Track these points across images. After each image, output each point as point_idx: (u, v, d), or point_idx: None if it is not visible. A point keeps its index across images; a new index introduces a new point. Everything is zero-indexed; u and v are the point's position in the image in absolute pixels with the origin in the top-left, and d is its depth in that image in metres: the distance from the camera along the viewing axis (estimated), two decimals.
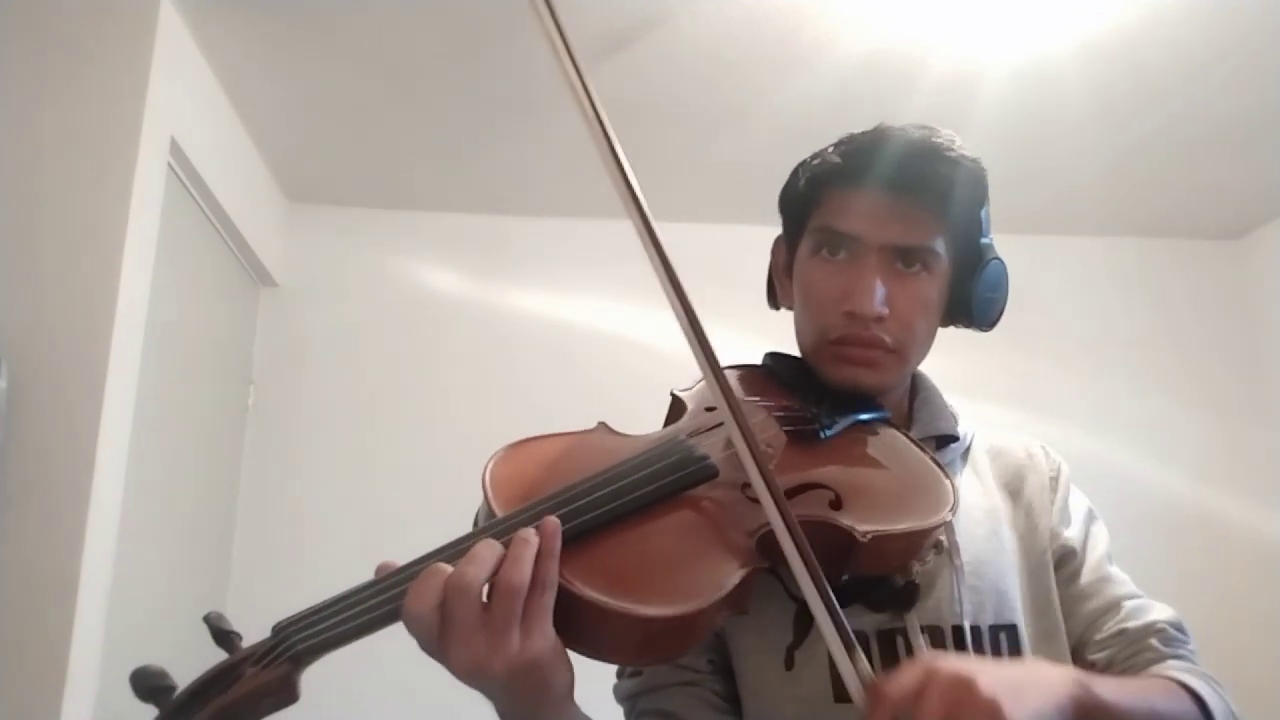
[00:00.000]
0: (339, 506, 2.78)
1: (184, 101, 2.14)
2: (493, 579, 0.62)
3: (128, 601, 1.94)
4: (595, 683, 0.82)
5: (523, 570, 0.61)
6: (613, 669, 0.91)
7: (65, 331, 1.80)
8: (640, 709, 0.86)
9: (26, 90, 1.89)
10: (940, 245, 0.90)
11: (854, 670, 0.65)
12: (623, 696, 0.89)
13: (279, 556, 2.71)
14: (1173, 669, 0.86)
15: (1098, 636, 0.91)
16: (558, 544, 0.63)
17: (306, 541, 2.73)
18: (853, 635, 0.66)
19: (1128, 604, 0.92)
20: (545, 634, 0.62)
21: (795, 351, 0.97)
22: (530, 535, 0.63)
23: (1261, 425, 3.09)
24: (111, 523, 1.84)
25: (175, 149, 2.10)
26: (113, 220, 1.86)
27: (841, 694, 0.81)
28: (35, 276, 1.82)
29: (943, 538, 0.87)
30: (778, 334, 1.06)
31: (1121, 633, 0.90)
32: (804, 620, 0.84)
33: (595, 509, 0.69)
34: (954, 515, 0.82)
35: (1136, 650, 0.89)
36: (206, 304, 2.54)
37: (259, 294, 2.92)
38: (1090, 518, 0.99)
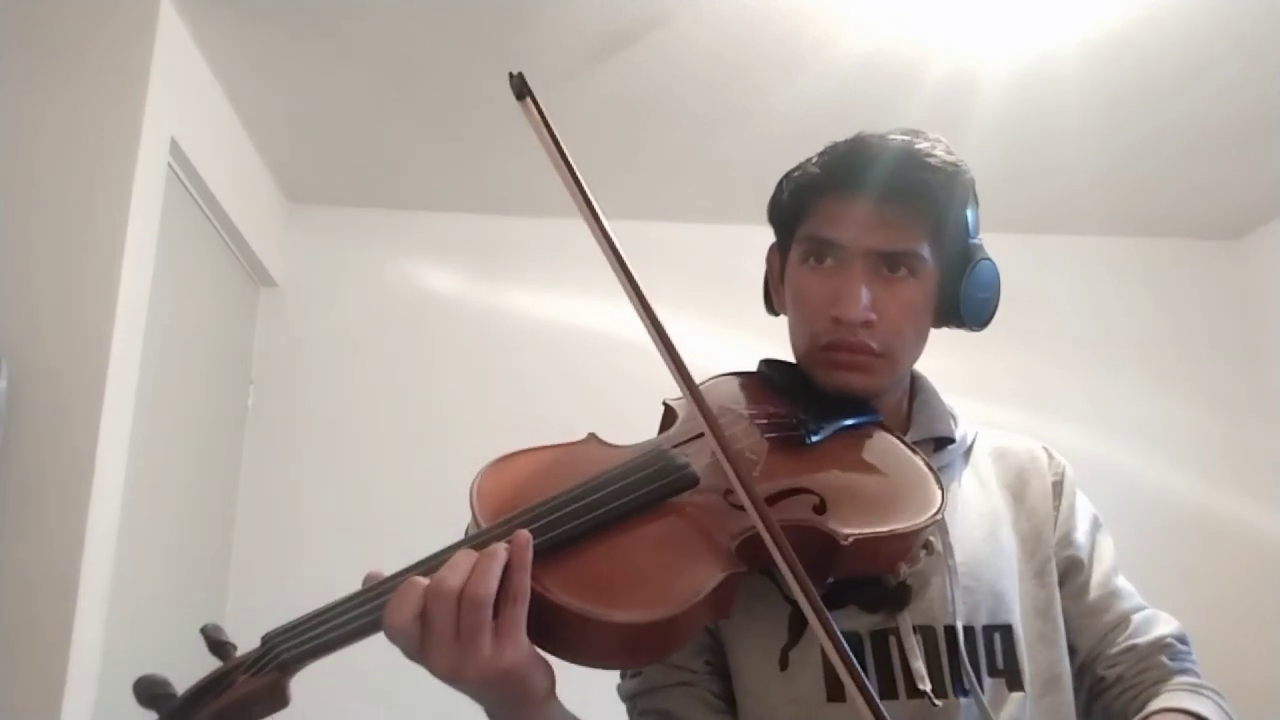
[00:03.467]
0: (338, 505, 2.78)
1: (184, 102, 2.14)
2: (460, 593, 0.64)
3: (128, 601, 1.94)
4: (595, 681, 0.82)
5: (488, 583, 0.64)
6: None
7: (65, 331, 1.81)
8: (640, 709, 0.88)
9: (26, 90, 1.89)
10: (925, 250, 0.90)
11: (844, 667, 0.66)
12: (624, 696, 0.90)
13: (278, 555, 2.71)
14: (1180, 690, 0.89)
15: (1110, 652, 0.93)
16: (527, 557, 0.66)
17: (306, 540, 2.73)
18: (838, 630, 0.67)
19: (1136, 618, 0.94)
20: (517, 643, 0.65)
21: (792, 356, 0.98)
22: (499, 549, 0.66)
23: (1262, 424, 3.09)
24: (111, 523, 1.84)
25: (175, 149, 2.10)
26: (113, 220, 1.86)
27: (835, 694, 0.82)
28: (35, 277, 1.82)
29: (934, 538, 0.88)
30: (777, 333, 1.06)
31: (1131, 649, 0.92)
32: (798, 621, 0.85)
33: (573, 519, 0.71)
34: (941, 516, 0.82)
35: (1146, 667, 0.91)
36: (206, 304, 2.55)
37: (259, 294, 2.92)
38: (1096, 526, 1.00)
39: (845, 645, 0.67)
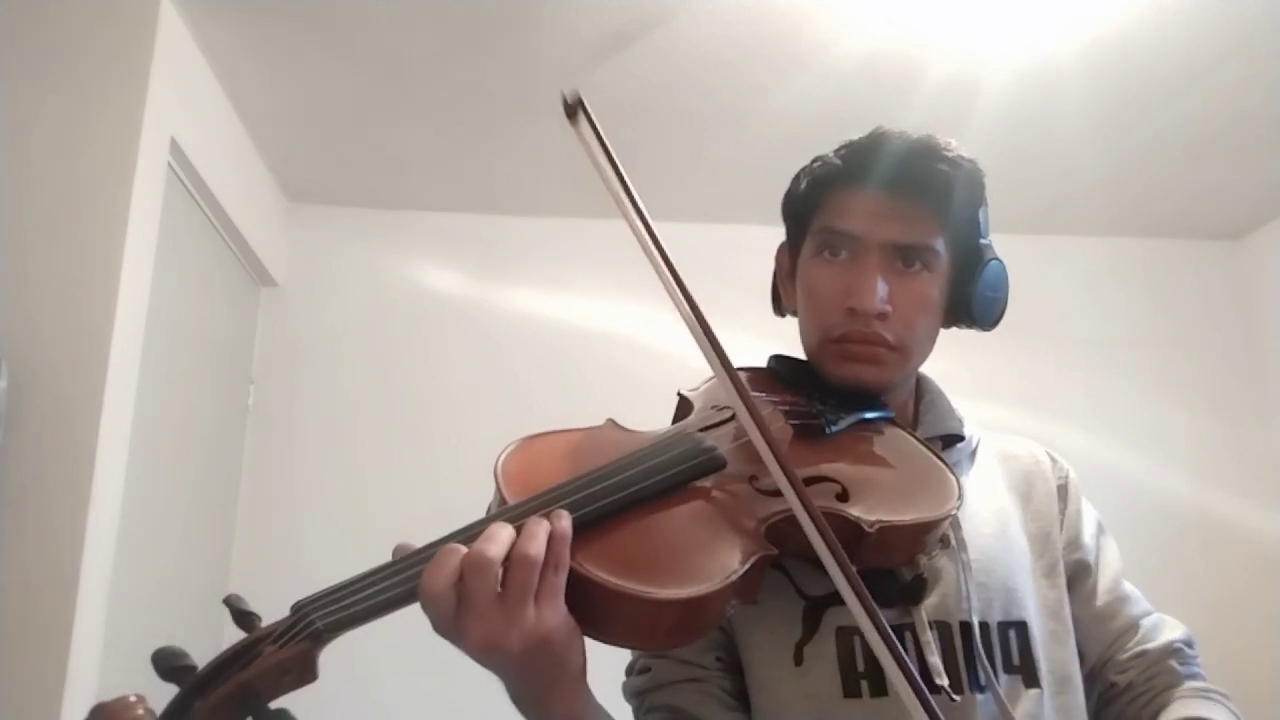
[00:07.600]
0: (339, 505, 2.78)
1: (184, 101, 2.14)
2: (508, 554, 0.63)
3: (128, 601, 1.94)
4: (604, 682, 0.82)
5: (538, 543, 0.63)
6: (620, 667, 0.92)
7: (65, 331, 1.80)
8: (649, 705, 0.87)
9: (27, 90, 1.89)
10: (940, 245, 0.91)
11: (881, 640, 0.67)
12: (631, 693, 0.89)
13: (279, 555, 2.71)
14: (1191, 696, 0.91)
15: (1121, 658, 0.95)
16: (569, 528, 0.65)
17: (306, 540, 2.73)
18: (875, 606, 0.67)
19: (1144, 623, 0.96)
20: (558, 609, 0.64)
21: (798, 355, 0.98)
22: (540, 519, 0.65)
23: (1262, 425, 3.09)
24: (111, 523, 1.84)
25: (175, 149, 2.10)
26: (113, 220, 1.86)
27: (850, 689, 0.82)
28: (35, 277, 1.82)
29: (949, 532, 0.88)
30: (777, 333, 1.06)
31: (1142, 655, 0.94)
32: (813, 616, 0.85)
33: (605, 497, 0.71)
34: (960, 508, 0.83)
35: (1156, 673, 0.93)
36: (206, 304, 2.54)
37: (259, 294, 2.92)
38: (1101, 531, 1.01)
39: (887, 626, 0.67)
